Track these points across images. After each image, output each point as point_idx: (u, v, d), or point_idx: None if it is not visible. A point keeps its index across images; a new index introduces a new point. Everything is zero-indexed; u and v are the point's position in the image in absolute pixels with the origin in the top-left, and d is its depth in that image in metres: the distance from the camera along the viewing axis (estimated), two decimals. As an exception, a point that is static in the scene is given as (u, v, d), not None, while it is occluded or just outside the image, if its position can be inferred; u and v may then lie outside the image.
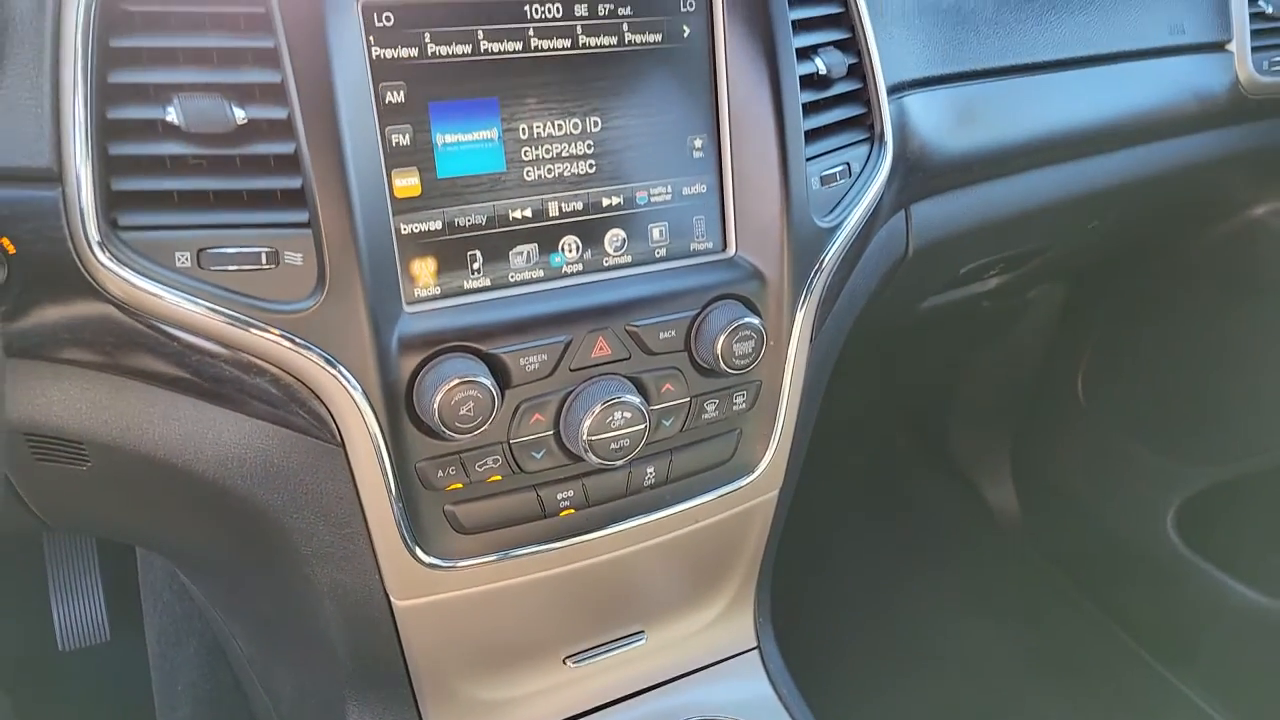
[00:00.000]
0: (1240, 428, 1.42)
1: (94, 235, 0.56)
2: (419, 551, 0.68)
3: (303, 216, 0.58)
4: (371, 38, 0.60)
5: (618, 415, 0.68)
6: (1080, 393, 1.58)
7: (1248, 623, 1.40)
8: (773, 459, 0.80)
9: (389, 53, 0.61)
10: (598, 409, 0.67)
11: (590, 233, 0.69)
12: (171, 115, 0.56)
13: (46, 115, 0.55)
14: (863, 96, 0.79)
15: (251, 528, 0.68)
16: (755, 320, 0.71)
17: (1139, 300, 1.51)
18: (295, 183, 0.58)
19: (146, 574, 1.19)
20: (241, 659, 1.02)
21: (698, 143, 0.72)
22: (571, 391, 0.68)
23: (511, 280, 0.67)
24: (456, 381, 0.61)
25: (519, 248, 0.67)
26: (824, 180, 0.75)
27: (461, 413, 0.62)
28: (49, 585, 1.25)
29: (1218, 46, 1.09)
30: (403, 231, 0.63)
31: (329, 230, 0.58)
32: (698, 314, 0.71)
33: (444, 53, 0.62)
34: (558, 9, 0.65)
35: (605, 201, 0.70)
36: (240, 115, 0.56)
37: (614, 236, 0.71)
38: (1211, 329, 1.43)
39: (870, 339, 1.04)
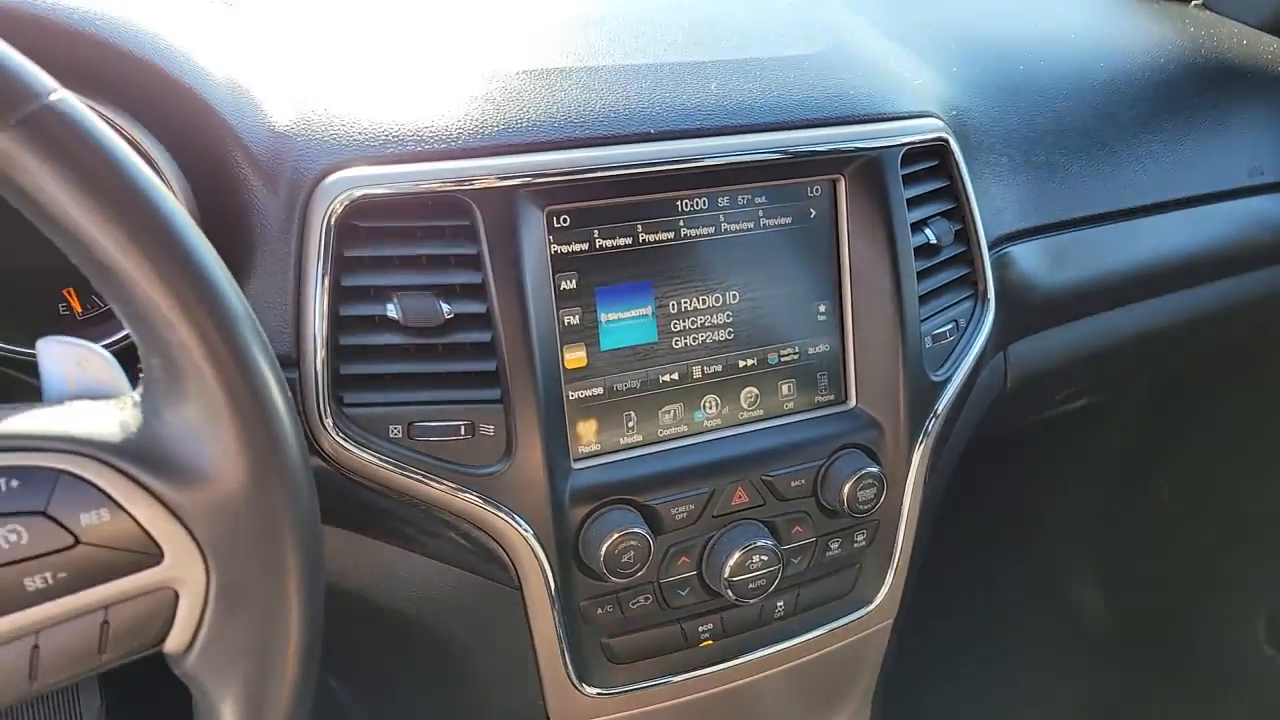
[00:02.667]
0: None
1: (324, 411, 0.66)
2: (579, 681, 0.76)
3: (496, 394, 0.68)
4: (551, 237, 0.70)
5: (755, 558, 0.75)
6: (1167, 498, 1.61)
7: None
8: (889, 590, 0.86)
9: (564, 248, 0.71)
10: (737, 553, 0.75)
11: (728, 391, 0.78)
12: (391, 311, 0.66)
13: (289, 311, 0.66)
14: (967, 258, 0.87)
15: (432, 655, 0.77)
16: (876, 469, 0.78)
17: (1226, 407, 1.54)
18: (491, 365, 0.68)
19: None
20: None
21: (821, 308, 0.81)
22: (713, 536, 0.76)
23: (660, 436, 0.76)
24: (620, 533, 0.70)
25: (667, 407, 0.76)
26: (935, 339, 0.83)
27: (623, 560, 0.70)
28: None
29: (1298, 185, 1.16)
30: (571, 398, 0.72)
31: (518, 405, 0.67)
32: (824, 463, 0.79)
33: (609, 245, 0.72)
34: (704, 201, 0.75)
35: (741, 363, 0.78)
36: (447, 310, 0.67)
37: (748, 393, 0.79)
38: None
39: (962, 460, 1.10)
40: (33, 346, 0.69)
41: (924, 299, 0.82)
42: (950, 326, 0.85)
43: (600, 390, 0.74)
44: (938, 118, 0.85)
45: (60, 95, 0.38)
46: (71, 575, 0.40)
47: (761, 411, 0.80)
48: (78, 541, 0.40)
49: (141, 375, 0.43)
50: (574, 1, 0.89)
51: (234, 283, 0.42)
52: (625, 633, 0.76)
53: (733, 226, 0.76)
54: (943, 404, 0.83)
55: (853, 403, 0.82)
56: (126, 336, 0.70)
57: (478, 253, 0.67)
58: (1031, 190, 0.99)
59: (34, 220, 0.39)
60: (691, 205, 0.75)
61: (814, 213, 0.79)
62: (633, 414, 0.75)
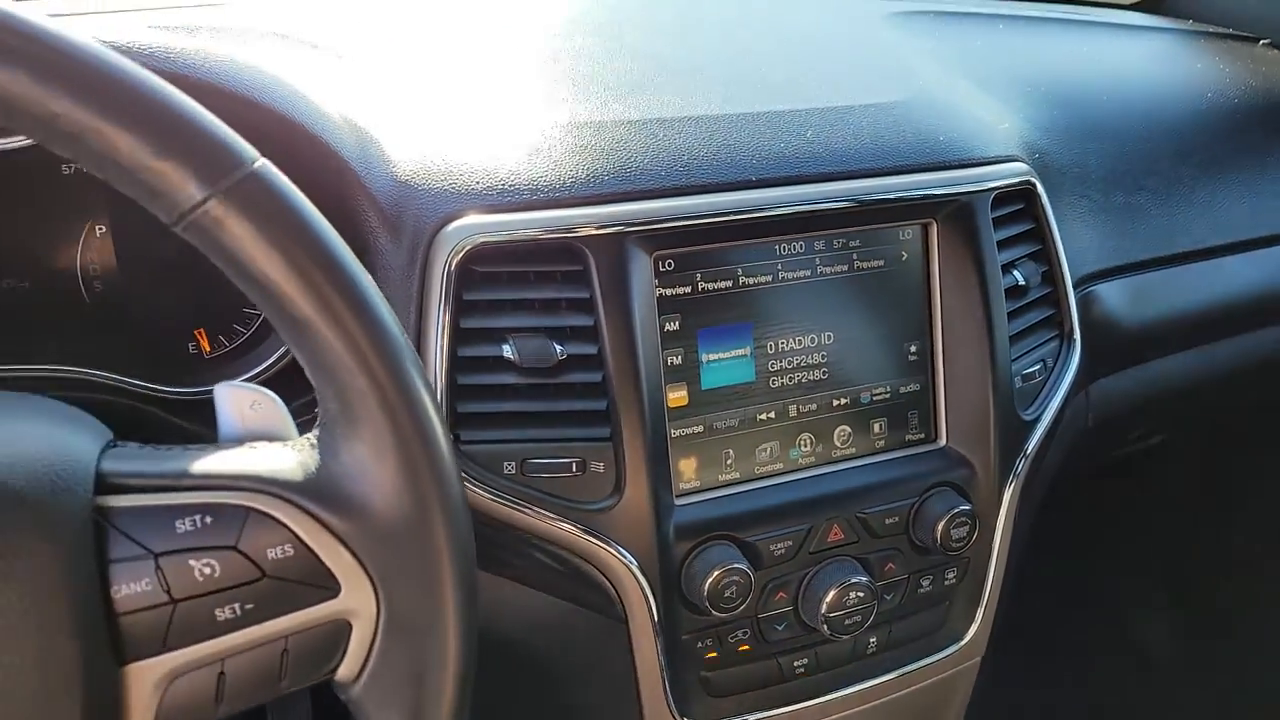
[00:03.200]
0: None
1: (442, 449, 0.69)
2: (678, 712, 0.77)
3: (606, 432, 0.70)
4: (657, 280, 0.73)
5: (851, 594, 0.77)
6: (1242, 537, 1.59)
7: None
8: (979, 627, 0.87)
9: (668, 291, 0.73)
10: (834, 589, 0.76)
11: (822, 429, 0.80)
12: (507, 352, 0.69)
13: (409, 353, 0.69)
14: (1053, 299, 0.89)
15: (537, 684, 0.79)
16: (969, 507, 0.80)
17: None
18: (601, 405, 0.70)
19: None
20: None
21: (913, 348, 0.82)
22: (809, 572, 0.78)
23: (757, 473, 0.78)
24: (723, 569, 0.72)
25: (764, 444, 0.78)
26: (1025, 378, 0.84)
27: (726, 595, 0.72)
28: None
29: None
30: (673, 436, 0.75)
31: (628, 443, 0.70)
32: (916, 501, 0.80)
33: (710, 288, 0.75)
34: (801, 245, 0.77)
35: (835, 402, 0.80)
36: (560, 351, 0.69)
37: (841, 431, 0.81)
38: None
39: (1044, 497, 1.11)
40: (164, 383, 0.73)
41: (1013, 339, 0.83)
42: (1039, 366, 0.86)
43: (701, 428, 0.76)
44: (1023, 161, 0.87)
45: (261, 162, 0.41)
46: (258, 606, 0.43)
47: (854, 449, 0.81)
48: (264, 575, 0.43)
49: (318, 418, 0.46)
50: (663, 54, 0.93)
51: (406, 334, 0.45)
52: (723, 666, 0.78)
53: (828, 269, 0.79)
54: (1033, 443, 0.84)
55: (943, 441, 0.83)
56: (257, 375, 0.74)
57: (590, 296, 0.70)
58: (1112, 231, 1.00)
59: (232, 276, 0.42)
60: (789, 249, 0.77)
61: (905, 255, 0.81)
62: (731, 451, 0.77)
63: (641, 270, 0.71)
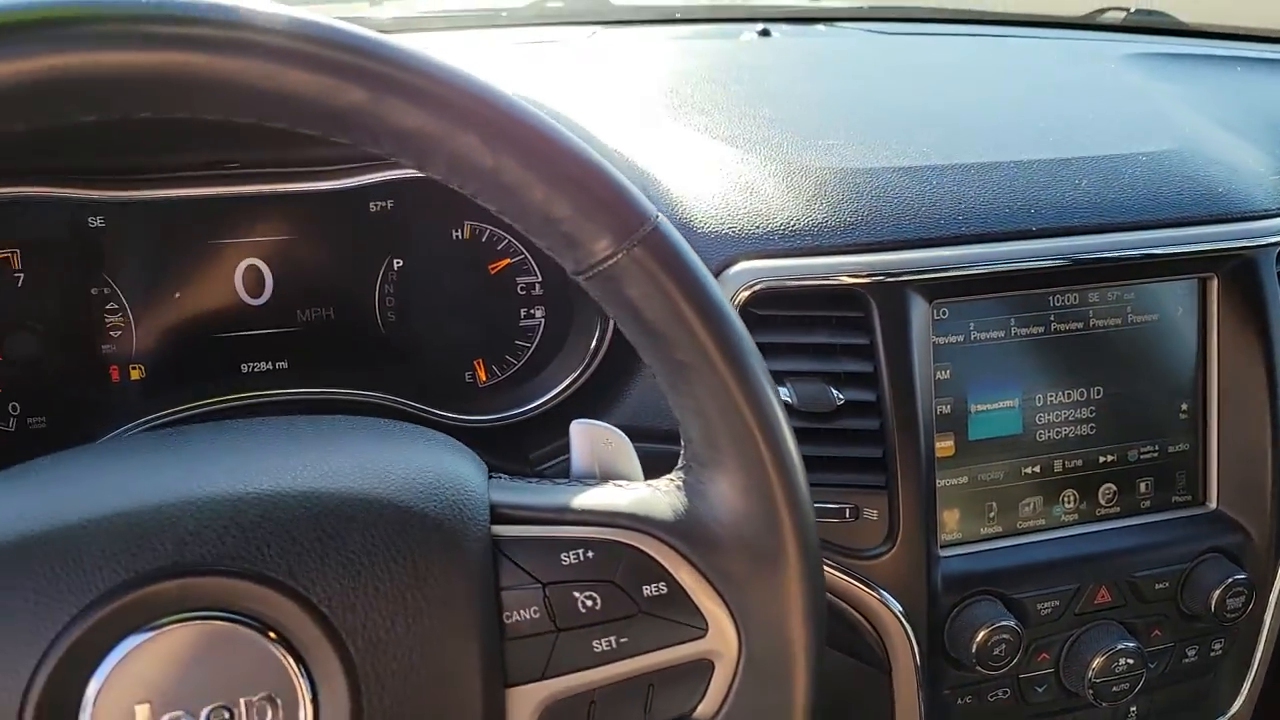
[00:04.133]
0: None
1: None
2: (933, 768, 0.76)
3: (880, 480, 0.70)
4: (933, 329, 0.72)
5: (1121, 661, 0.74)
6: None
7: None
8: (1243, 701, 0.82)
9: (942, 340, 0.73)
10: (1102, 655, 0.74)
11: (1086, 486, 0.78)
12: (786, 395, 0.70)
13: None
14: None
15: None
16: (1245, 576, 0.76)
17: None
18: (877, 452, 0.70)
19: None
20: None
21: (1184, 406, 0.79)
22: (1073, 634, 0.75)
23: (1019, 528, 0.76)
24: (993, 626, 0.70)
25: (1027, 499, 0.76)
26: (1306, 442, 0.80)
27: (994, 652, 0.71)
28: None
29: None
30: (938, 486, 0.74)
31: (903, 492, 0.69)
32: (1187, 566, 0.77)
33: (982, 337, 0.74)
34: (1075, 297, 0.76)
35: (1101, 459, 0.78)
36: (838, 397, 0.70)
37: (1106, 490, 0.78)
38: None
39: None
40: (447, 409, 0.77)
41: (1293, 401, 0.79)
42: (1320, 431, 0.81)
43: (966, 479, 0.75)
44: (1302, 214, 0.83)
45: (660, 218, 0.44)
46: (632, 641, 0.45)
47: (1119, 509, 0.78)
48: (639, 610, 0.45)
49: (680, 460, 0.48)
50: (912, 98, 0.93)
51: (775, 385, 0.46)
52: (979, 723, 0.76)
53: (1101, 322, 0.77)
54: (1314, 509, 0.79)
55: (1213, 505, 0.80)
56: (522, 413, 0.76)
57: (870, 343, 0.70)
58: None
59: (621, 320, 0.44)
60: (1062, 300, 0.75)
61: (1181, 310, 0.78)
62: (994, 504, 0.76)
63: (920, 318, 0.71)
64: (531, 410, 0.75)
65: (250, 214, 0.73)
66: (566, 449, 0.74)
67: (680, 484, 0.47)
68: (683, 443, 0.47)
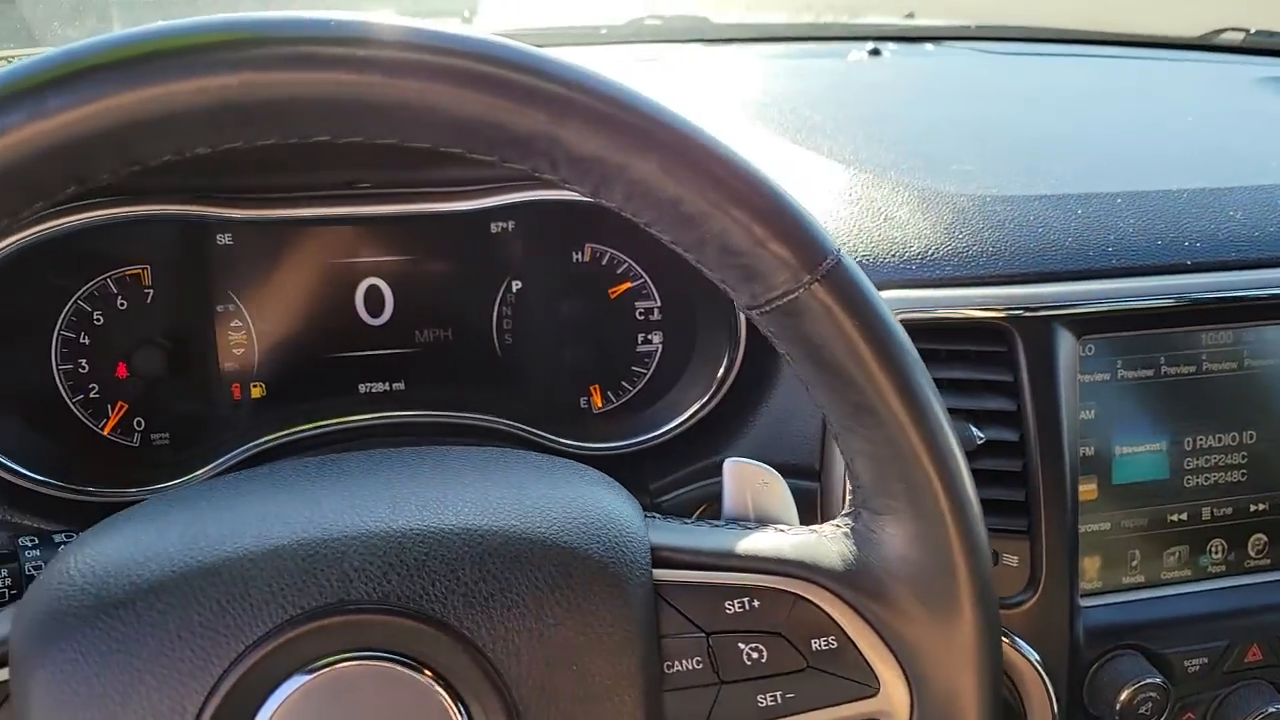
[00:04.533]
0: None
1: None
2: (1067, 831, 0.72)
3: (1023, 524, 0.66)
4: (1079, 367, 0.69)
5: (1275, 725, 0.69)
6: None
7: None
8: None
9: (1088, 377, 0.69)
10: (1253, 717, 0.69)
11: (1236, 536, 0.73)
12: (922, 433, 0.67)
13: (816, 424, 0.68)
14: None
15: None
16: None
17: None
18: (1019, 495, 0.66)
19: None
20: None
21: (1343, 453, 0.74)
22: (1221, 694, 0.70)
23: (1163, 578, 0.72)
24: (1138, 684, 0.66)
25: (1173, 548, 0.72)
26: None
27: (1140, 711, 0.66)
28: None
29: None
30: (1079, 531, 0.70)
31: (1047, 537, 0.66)
32: (1347, 625, 0.72)
33: (1129, 376, 0.70)
34: (1229, 335, 0.71)
35: (1252, 507, 0.73)
36: (979, 436, 0.66)
37: (1257, 540, 0.73)
38: None
39: None
40: (562, 435, 0.75)
41: None
42: None
43: (1108, 525, 0.71)
44: None
45: (841, 252, 0.41)
46: (799, 697, 0.42)
47: (1269, 560, 0.74)
48: (807, 665, 0.42)
49: (847, 505, 0.45)
50: (1039, 125, 0.90)
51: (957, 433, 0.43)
52: (1118, 786, 0.71)
53: (1256, 363, 0.72)
54: None
55: (1373, 560, 0.74)
56: (643, 441, 0.74)
57: (1014, 379, 0.66)
58: None
59: (795, 357, 0.42)
60: (1215, 339, 0.71)
61: (1343, 351, 0.73)
62: (1137, 553, 0.71)
63: (1067, 355, 0.67)
64: (654, 439, 0.73)
65: (375, 234, 0.72)
66: (688, 481, 0.72)
67: (848, 530, 0.44)
68: (850, 487, 0.45)
